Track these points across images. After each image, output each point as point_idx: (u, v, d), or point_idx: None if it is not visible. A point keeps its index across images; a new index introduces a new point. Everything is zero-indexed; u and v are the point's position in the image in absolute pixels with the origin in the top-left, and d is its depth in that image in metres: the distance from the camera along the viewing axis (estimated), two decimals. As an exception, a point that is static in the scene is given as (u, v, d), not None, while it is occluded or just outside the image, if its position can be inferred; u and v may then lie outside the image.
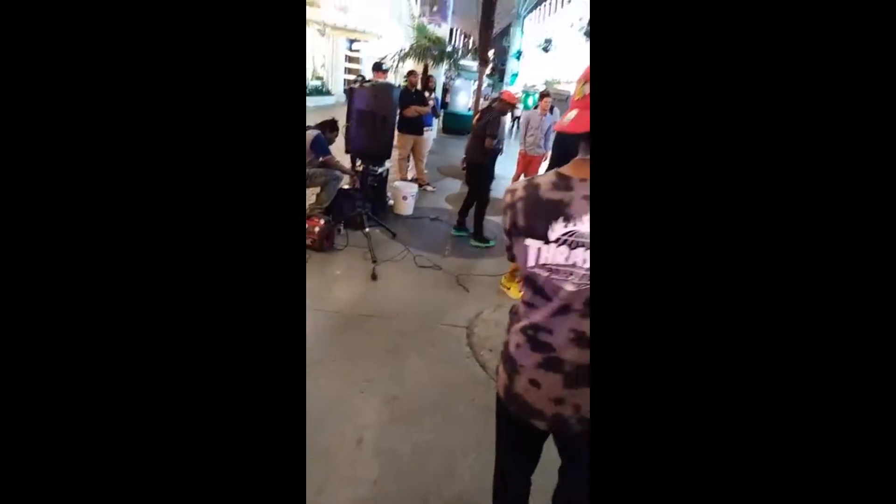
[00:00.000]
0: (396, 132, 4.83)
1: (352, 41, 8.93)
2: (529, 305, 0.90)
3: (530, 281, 0.87)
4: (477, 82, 6.69)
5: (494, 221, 4.09)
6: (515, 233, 0.87)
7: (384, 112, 2.79)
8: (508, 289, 2.90)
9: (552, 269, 0.82)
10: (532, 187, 0.85)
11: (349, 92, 3.01)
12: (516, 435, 1.07)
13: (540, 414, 0.91)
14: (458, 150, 8.14)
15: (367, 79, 3.36)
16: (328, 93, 12.98)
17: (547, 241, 0.82)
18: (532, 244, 0.83)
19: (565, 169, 0.84)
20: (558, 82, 16.29)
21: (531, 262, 0.85)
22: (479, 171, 3.65)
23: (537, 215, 0.83)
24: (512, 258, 0.97)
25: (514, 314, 0.96)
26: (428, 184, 5.41)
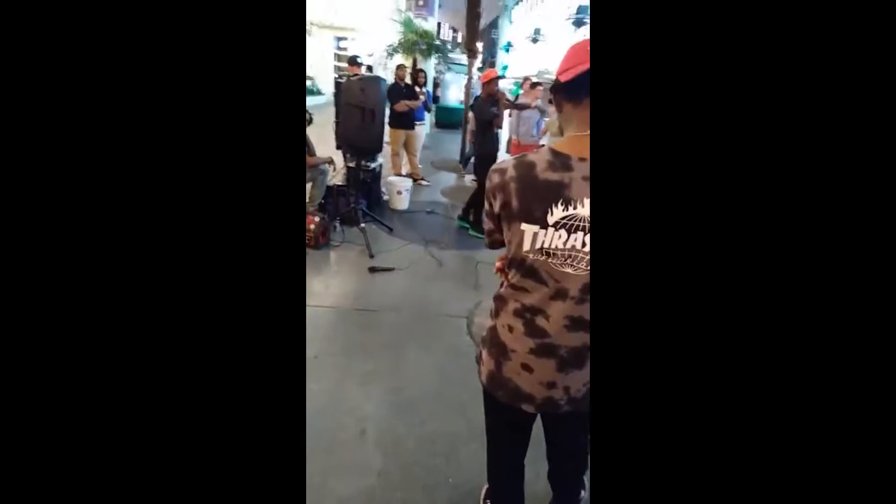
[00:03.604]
0: (388, 127, 4.84)
1: (339, 38, 8.87)
2: (519, 289, 0.84)
3: (522, 265, 0.81)
4: (467, 76, 6.63)
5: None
6: (507, 216, 0.80)
7: (372, 105, 2.77)
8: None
9: (550, 252, 0.77)
10: (525, 167, 0.77)
11: (337, 86, 2.98)
12: (506, 419, 1.04)
13: (530, 398, 0.88)
14: (451, 144, 8.10)
15: (355, 73, 3.36)
16: (319, 92, 12.89)
17: (545, 226, 0.75)
18: (528, 229, 0.77)
19: (562, 146, 0.77)
20: (549, 72, 16.22)
21: (527, 246, 0.78)
22: (488, 162, 3.65)
23: (534, 198, 0.75)
24: (495, 244, 0.90)
25: (499, 299, 0.90)
26: (422, 178, 5.39)
